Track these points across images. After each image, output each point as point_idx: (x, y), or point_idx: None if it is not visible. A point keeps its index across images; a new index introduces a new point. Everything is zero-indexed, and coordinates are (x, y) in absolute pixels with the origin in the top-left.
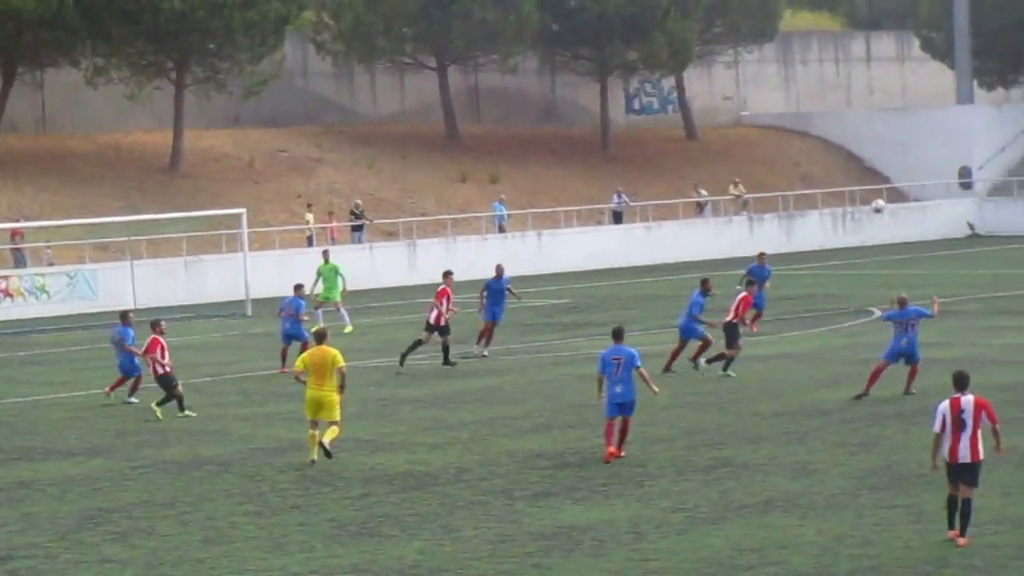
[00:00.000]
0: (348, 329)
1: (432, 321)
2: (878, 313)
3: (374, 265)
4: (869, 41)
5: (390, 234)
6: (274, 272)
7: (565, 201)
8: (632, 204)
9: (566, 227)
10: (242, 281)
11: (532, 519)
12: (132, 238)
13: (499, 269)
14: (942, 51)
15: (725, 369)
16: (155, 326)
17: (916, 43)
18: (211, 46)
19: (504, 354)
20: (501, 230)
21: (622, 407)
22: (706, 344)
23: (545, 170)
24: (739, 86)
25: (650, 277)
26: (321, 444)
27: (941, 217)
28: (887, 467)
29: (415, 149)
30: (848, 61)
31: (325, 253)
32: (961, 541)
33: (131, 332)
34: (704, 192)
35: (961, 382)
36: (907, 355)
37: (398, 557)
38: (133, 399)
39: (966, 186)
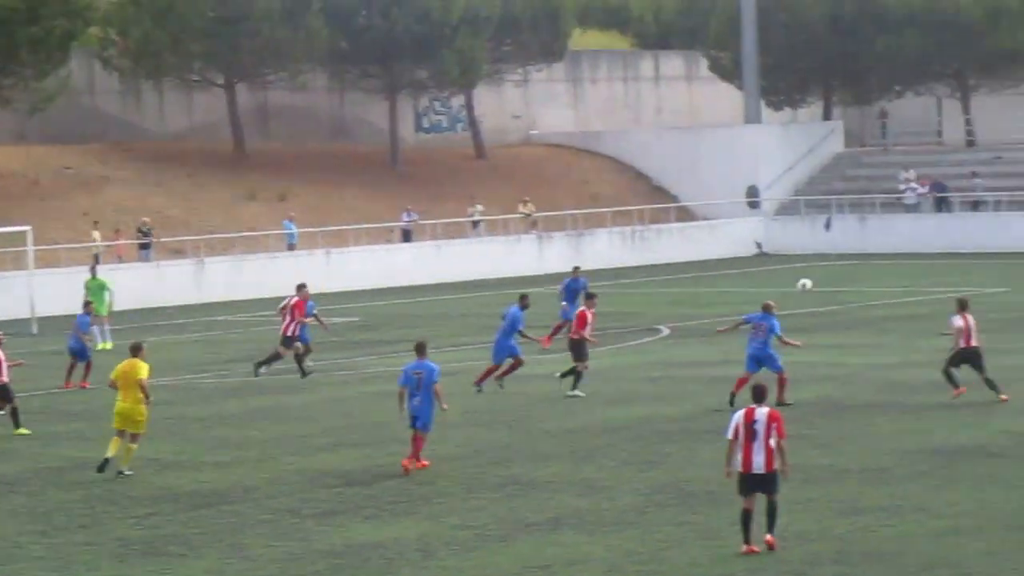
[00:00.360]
0: (104, 346)
1: (282, 331)
2: (666, 331)
3: (161, 283)
4: (658, 60)
5: (178, 252)
6: (61, 290)
7: (355, 219)
8: (421, 222)
9: (355, 245)
10: (27, 299)
11: (321, 537)
12: None
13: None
14: (730, 71)
15: (573, 388)
16: None
17: (704, 63)
18: None
19: (294, 372)
20: (291, 248)
21: (417, 419)
22: (516, 365)
23: (334, 188)
24: (528, 105)
25: (440, 295)
26: (119, 472)
27: (729, 235)
28: (675, 484)
29: (203, 167)
30: (637, 80)
31: (92, 268)
32: (768, 538)
33: None
34: (480, 208)
35: (758, 394)
36: (762, 360)
37: None
38: None
39: (753, 205)
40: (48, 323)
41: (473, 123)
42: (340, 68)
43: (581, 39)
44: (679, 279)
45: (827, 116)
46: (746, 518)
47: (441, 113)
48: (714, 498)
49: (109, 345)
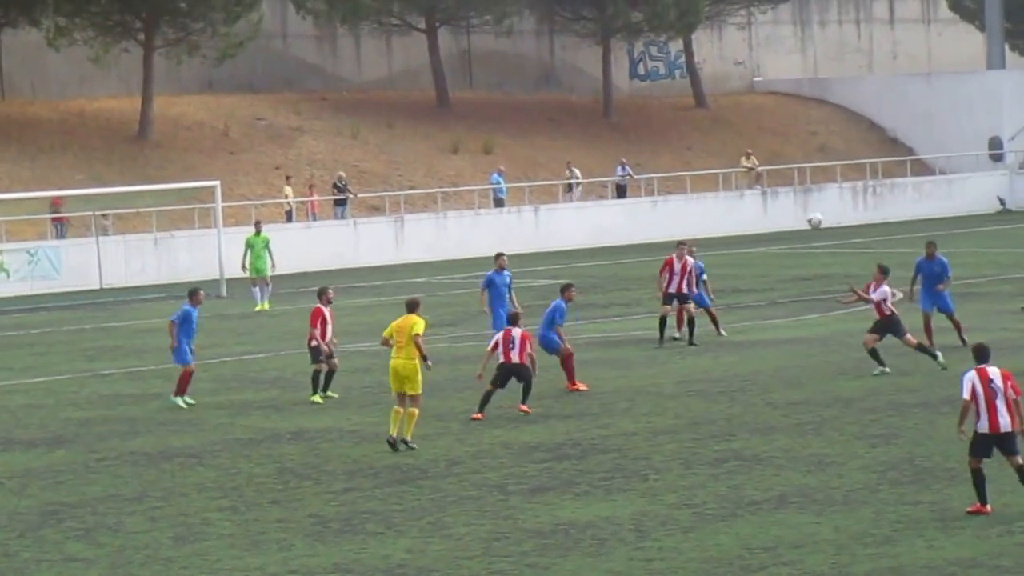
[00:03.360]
0: (260, 307)
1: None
2: (900, 295)
3: (358, 242)
4: (893, 1)
5: (376, 209)
6: None
7: (564, 174)
8: (637, 177)
9: (566, 202)
10: (216, 259)
11: (528, 515)
12: (97, 212)
13: (501, 260)
14: (971, 12)
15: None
16: None
17: (943, 3)
18: (183, 5)
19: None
20: (499, 204)
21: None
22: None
23: (543, 140)
24: (752, 50)
25: (656, 255)
26: (404, 441)
27: (970, 191)
28: (910, 460)
29: (402, 117)
30: (870, 22)
31: (257, 224)
32: None
33: None
34: (577, 172)
35: (982, 355)
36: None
37: (384, 556)
38: None
39: (997, 158)
40: (237, 285)
41: (692, 70)
42: (549, 10)
43: None
44: (914, 238)
45: None
46: (979, 478)
47: (658, 59)
48: (952, 476)
49: (267, 306)
